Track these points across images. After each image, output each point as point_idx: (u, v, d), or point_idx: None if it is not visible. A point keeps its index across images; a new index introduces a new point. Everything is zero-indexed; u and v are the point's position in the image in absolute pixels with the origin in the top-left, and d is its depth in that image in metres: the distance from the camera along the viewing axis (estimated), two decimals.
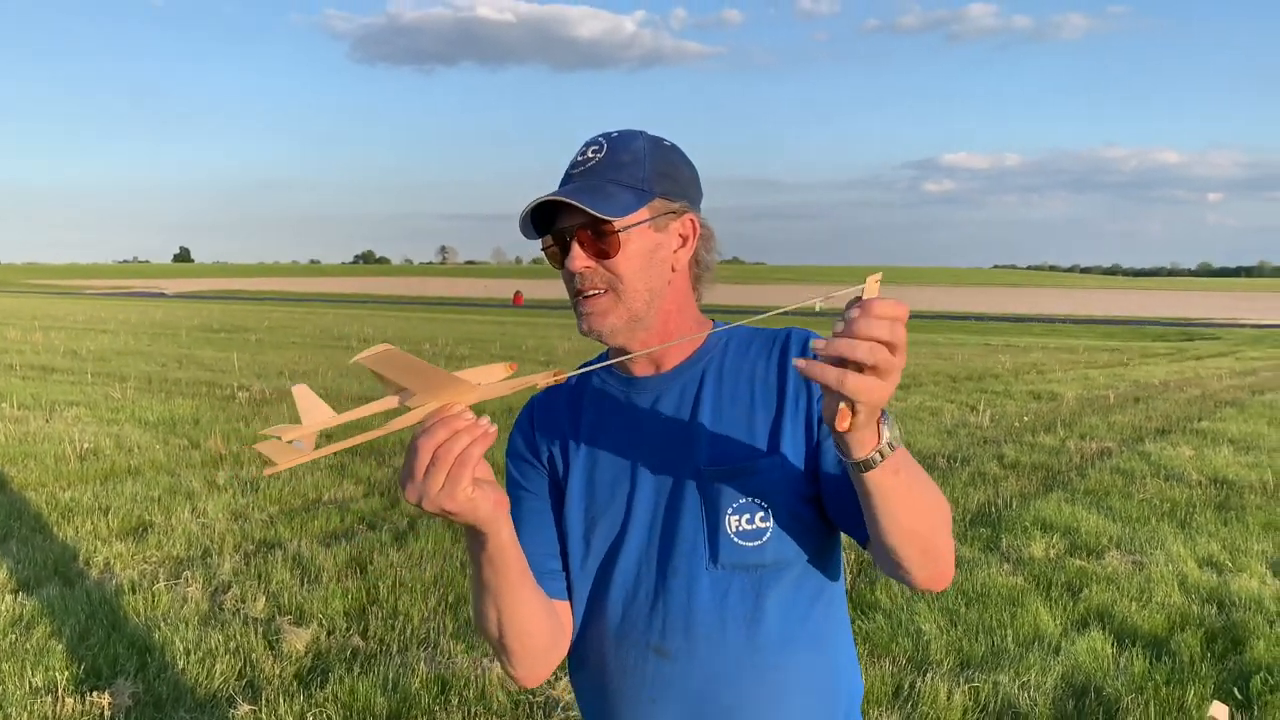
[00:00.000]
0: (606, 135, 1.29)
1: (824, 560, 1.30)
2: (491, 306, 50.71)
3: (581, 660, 1.36)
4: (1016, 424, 10.26)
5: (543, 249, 1.30)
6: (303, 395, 1.01)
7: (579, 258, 1.24)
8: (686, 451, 1.28)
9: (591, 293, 1.25)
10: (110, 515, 6.02)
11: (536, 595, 1.24)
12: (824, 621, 1.30)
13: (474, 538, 1.11)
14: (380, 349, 0.92)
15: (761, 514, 1.25)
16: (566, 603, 1.34)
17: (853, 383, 0.91)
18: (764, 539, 1.25)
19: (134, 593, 4.69)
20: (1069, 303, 64.48)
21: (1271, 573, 5.31)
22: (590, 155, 1.27)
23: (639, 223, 1.24)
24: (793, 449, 1.26)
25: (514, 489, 1.39)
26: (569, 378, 1.06)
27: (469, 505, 1.01)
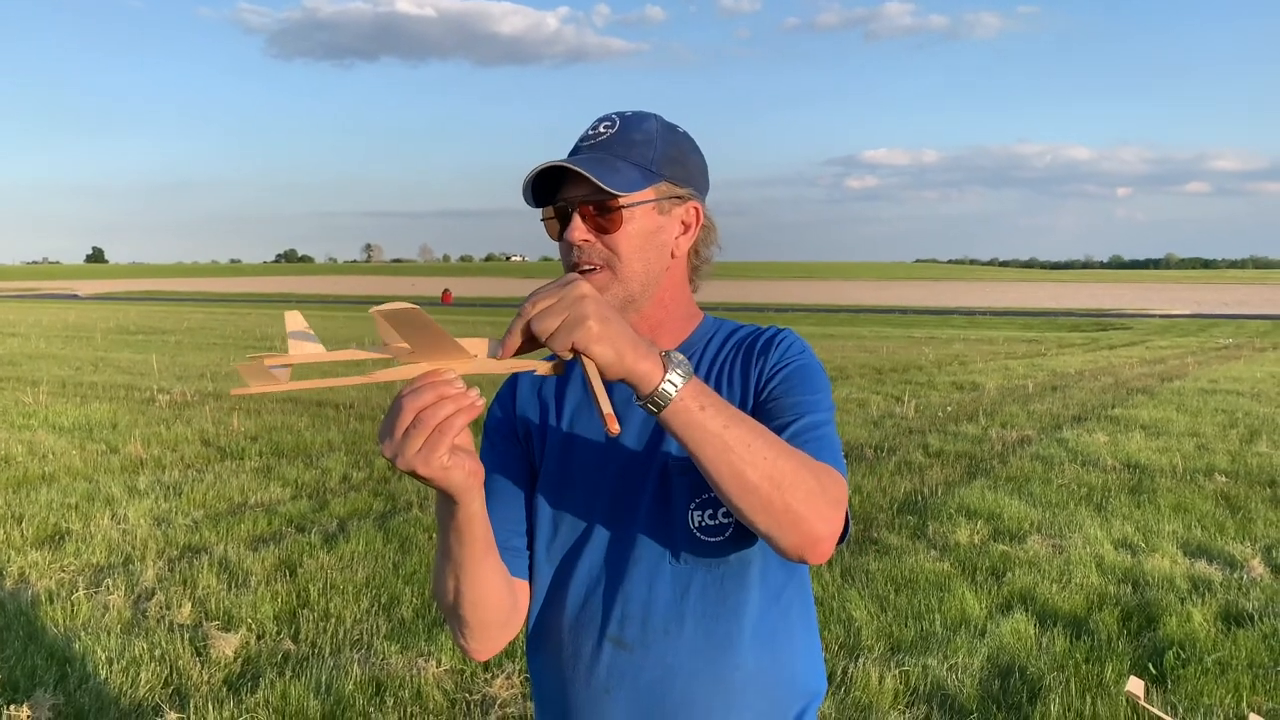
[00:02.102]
0: (620, 113, 1.28)
1: (788, 560, 1.31)
2: (420, 305, 49.99)
3: (540, 644, 1.35)
4: (940, 414, 10.51)
5: (542, 219, 1.28)
6: (293, 320, 0.97)
7: (579, 229, 1.23)
8: (659, 444, 1.28)
9: (587, 268, 1.24)
10: (25, 523, 5.81)
11: (498, 571, 1.22)
12: (784, 620, 1.30)
13: (444, 504, 1.10)
14: (404, 306, 0.90)
15: (724, 509, 1.24)
16: (525, 582, 1.33)
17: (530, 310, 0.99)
18: (726, 534, 1.25)
19: (52, 602, 4.54)
20: (988, 295, 66.11)
21: (1182, 553, 5.53)
22: (602, 130, 1.26)
23: (643, 201, 1.24)
24: None
25: (487, 462, 1.36)
26: (567, 369, 1.06)
27: (442, 473, 1.00)
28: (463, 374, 1.00)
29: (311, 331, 0.98)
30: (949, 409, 10.89)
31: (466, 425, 0.99)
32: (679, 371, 1.03)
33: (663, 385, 1.01)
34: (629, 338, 1.01)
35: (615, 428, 0.99)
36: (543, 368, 1.03)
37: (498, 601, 1.23)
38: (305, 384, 0.98)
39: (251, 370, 0.95)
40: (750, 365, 1.29)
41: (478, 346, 1.00)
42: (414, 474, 0.99)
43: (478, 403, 0.99)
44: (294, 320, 0.98)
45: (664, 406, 1.02)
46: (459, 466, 1.01)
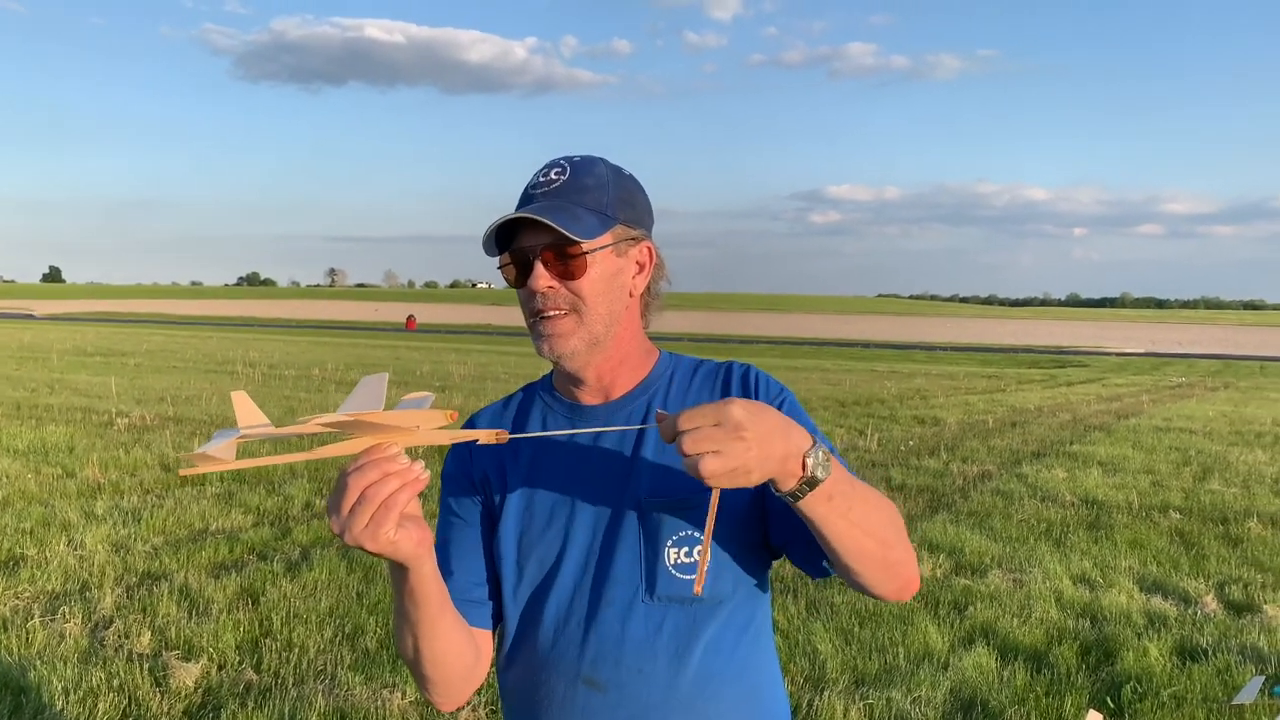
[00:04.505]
0: (568, 159, 1.30)
1: (757, 593, 1.32)
2: (383, 330, 49.79)
3: (512, 686, 1.35)
4: (902, 448, 10.61)
5: (499, 266, 1.29)
6: (241, 402, 0.99)
7: (542, 277, 1.24)
8: (628, 482, 1.29)
9: (553, 313, 1.25)
10: None
11: (456, 626, 1.23)
12: (753, 652, 1.31)
13: (396, 570, 1.11)
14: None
15: (699, 547, 1.25)
16: (488, 632, 1.33)
17: (688, 446, 1.00)
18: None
19: (6, 630, 4.45)
20: (949, 331, 66.90)
21: (1138, 588, 5.63)
22: (554, 177, 1.27)
23: (604, 246, 1.25)
24: None
25: (446, 513, 1.38)
26: (510, 438, 1.08)
27: (390, 547, 1.01)
28: (406, 446, 1.01)
29: (259, 411, 1.00)
30: (911, 443, 11.01)
31: (411, 500, 1.00)
32: (820, 471, 1.05)
33: (800, 487, 1.05)
34: (780, 457, 1.02)
35: (700, 591, 1.18)
36: (485, 436, 1.04)
37: (458, 657, 1.24)
38: (250, 462, 0.99)
39: (197, 455, 0.97)
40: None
41: (427, 418, 1.01)
42: (362, 548, 1.01)
43: (422, 476, 1.00)
44: (241, 401, 1.00)
45: (817, 485, 1.06)
46: (406, 538, 1.02)
